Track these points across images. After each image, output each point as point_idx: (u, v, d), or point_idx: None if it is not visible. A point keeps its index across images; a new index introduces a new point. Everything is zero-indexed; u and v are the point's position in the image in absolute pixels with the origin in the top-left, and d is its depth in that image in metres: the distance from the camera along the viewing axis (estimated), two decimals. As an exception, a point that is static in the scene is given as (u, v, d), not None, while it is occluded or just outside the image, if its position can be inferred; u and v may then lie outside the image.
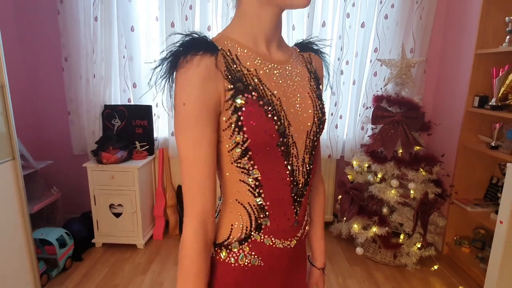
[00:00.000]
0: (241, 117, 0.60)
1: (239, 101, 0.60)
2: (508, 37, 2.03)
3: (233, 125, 0.61)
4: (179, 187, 2.78)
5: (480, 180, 2.40)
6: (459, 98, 2.42)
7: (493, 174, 2.38)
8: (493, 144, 2.11)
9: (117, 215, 2.48)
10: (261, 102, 0.61)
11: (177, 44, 0.59)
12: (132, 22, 2.49)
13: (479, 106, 2.20)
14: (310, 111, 0.69)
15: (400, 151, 2.27)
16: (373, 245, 2.44)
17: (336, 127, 2.69)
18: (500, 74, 2.04)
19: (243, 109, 0.60)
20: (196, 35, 0.60)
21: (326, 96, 2.65)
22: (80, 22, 2.46)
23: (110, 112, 2.62)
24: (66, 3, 2.43)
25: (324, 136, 2.69)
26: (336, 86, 2.60)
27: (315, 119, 0.70)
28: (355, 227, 2.33)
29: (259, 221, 0.67)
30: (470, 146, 2.28)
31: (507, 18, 2.01)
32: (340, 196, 2.54)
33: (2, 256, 1.67)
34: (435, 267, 2.32)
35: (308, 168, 0.70)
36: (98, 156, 2.41)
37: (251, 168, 0.64)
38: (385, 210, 2.32)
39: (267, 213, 0.67)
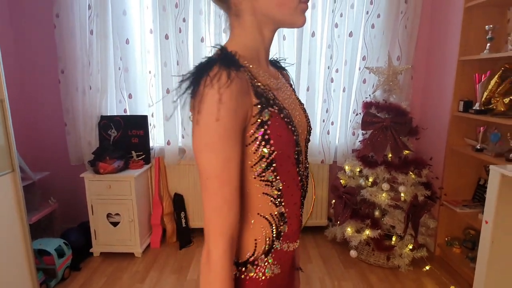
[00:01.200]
0: (268, 131, 0.61)
1: (267, 115, 0.61)
2: (488, 44, 2.12)
3: (259, 139, 0.61)
4: (176, 195, 2.82)
5: (468, 181, 2.48)
6: (445, 103, 2.51)
7: (480, 175, 2.45)
8: (478, 147, 2.19)
9: (115, 224, 2.52)
10: (282, 115, 0.64)
11: (212, 59, 0.58)
12: (127, 34, 2.55)
13: (464, 111, 2.28)
14: (304, 120, 0.76)
15: (390, 155, 2.34)
16: (367, 248, 2.50)
17: (328, 133, 2.76)
18: (482, 80, 2.13)
19: (269, 122, 0.61)
20: (227, 50, 0.61)
21: (318, 103, 2.73)
22: (76, 35, 2.51)
23: (106, 122, 2.67)
24: (63, 18, 2.48)
25: (316, 142, 2.76)
26: (327, 93, 2.68)
27: (308, 127, 0.77)
28: (349, 230, 2.39)
29: (279, 229, 0.69)
30: (457, 149, 2.36)
31: (487, 26, 2.11)
32: (333, 201, 2.60)
33: (2, 267, 1.70)
34: (427, 267, 2.38)
35: (307, 172, 0.76)
36: (95, 166, 2.45)
37: (274, 180, 0.65)
38: (377, 213, 2.38)
39: (286, 220, 0.69)
